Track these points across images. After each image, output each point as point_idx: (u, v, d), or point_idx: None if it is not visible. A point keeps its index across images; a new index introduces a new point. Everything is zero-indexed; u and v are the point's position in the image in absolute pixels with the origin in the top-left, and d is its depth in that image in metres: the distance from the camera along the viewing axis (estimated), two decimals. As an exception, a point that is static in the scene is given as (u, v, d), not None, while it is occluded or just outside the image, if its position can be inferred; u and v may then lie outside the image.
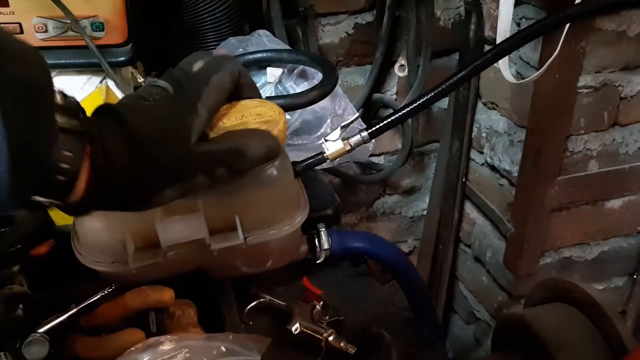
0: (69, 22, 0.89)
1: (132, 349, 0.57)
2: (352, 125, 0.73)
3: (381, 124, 0.75)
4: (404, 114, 0.76)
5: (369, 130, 0.74)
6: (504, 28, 1.01)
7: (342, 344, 0.67)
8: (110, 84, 0.96)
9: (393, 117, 0.75)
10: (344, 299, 0.74)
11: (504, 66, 1.08)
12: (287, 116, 0.94)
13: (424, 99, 0.76)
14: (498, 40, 1.02)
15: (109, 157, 0.46)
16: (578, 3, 0.91)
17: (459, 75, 0.75)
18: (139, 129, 0.48)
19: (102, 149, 0.46)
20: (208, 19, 1.04)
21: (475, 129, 1.48)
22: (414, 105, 0.76)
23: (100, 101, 0.87)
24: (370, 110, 1.48)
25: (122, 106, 0.51)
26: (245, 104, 0.61)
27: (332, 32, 1.36)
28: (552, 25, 0.73)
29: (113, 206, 0.51)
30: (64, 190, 0.44)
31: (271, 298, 0.73)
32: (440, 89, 0.75)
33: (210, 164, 0.53)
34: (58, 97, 0.43)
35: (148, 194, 0.51)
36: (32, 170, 0.41)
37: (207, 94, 0.53)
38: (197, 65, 0.55)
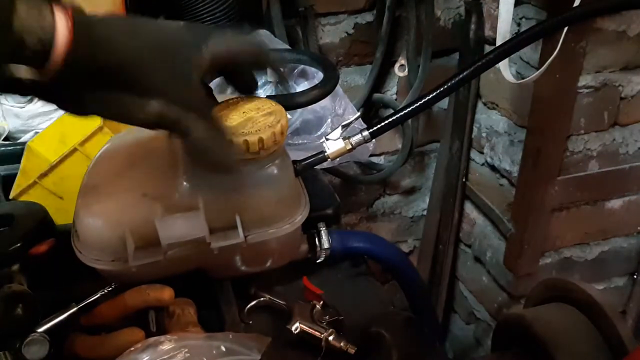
0: (69, 21, 0.89)
1: (132, 348, 0.57)
2: (352, 124, 0.73)
3: (382, 124, 0.74)
4: (405, 114, 0.76)
5: (370, 130, 0.73)
6: (504, 28, 1.01)
7: (342, 344, 0.67)
8: (110, 83, 0.96)
9: (394, 117, 0.75)
10: (344, 299, 0.74)
11: (504, 66, 1.08)
12: (288, 115, 0.94)
13: (426, 99, 0.75)
14: (498, 40, 1.02)
15: (93, 24, 0.47)
16: (580, 5, 0.90)
17: (460, 76, 0.75)
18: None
19: (83, 14, 0.46)
20: (208, 19, 1.03)
21: (475, 129, 1.48)
22: (416, 105, 0.75)
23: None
24: (370, 110, 1.48)
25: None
26: (239, 102, 0.62)
27: (332, 32, 1.36)
28: (554, 27, 0.73)
29: (91, 84, 0.49)
30: (37, 59, 0.44)
31: (271, 297, 0.73)
32: (441, 89, 0.75)
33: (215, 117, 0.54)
34: None
35: (137, 82, 0.49)
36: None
37: (215, 41, 0.54)
38: None
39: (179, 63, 0.50)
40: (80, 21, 0.46)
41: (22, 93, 0.49)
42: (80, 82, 0.48)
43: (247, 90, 0.62)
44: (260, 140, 0.59)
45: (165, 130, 0.52)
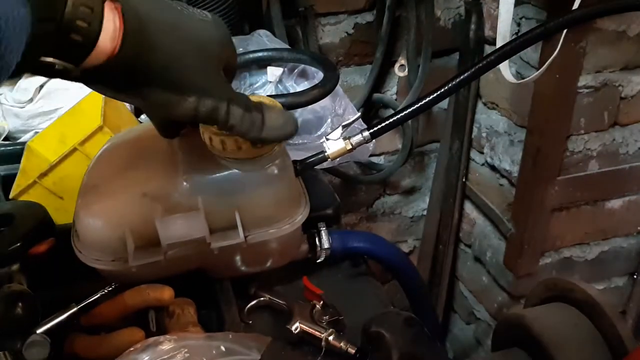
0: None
1: (132, 348, 0.57)
2: (352, 125, 0.73)
3: (383, 124, 0.74)
4: (405, 114, 0.76)
5: (371, 130, 0.73)
6: (504, 28, 1.01)
7: (342, 344, 0.67)
8: (110, 83, 0.96)
9: (394, 118, 0.75)
10: (344, 299, 0.74)
11: (504, 66, 1.08)
12: (287, 115, 0.94)
13: (426, 100, 0.75)
14: (498, 40, 1.02)
15: (143, 20, 0.46)
16: (582, 7, 0.90)
17: (460, 78, 0.75)
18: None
19: (134, 9, 0.45)
20: (208, 18, 1.03)
21: (475, 129, 1.48)
22: (416, 106, 0.75)
23: (99, 101, 0.87)
24: (370, 110, 1.48)
25: None
26: None
27: (332, 32, 1.36)
28: (556, 29, 0.73)
29: (129, 85, 0.49)
30: (78, 52, 0.43)
31: (271, 297, 0.73)
32: (441, 90, 0.75)
33: (244, 101, 0.54)
34: None
35: (178, 81, 0.49)
36: (45, 23, 0.40)
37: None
38: None
39: (211, 60, 0.52)
40: (130, 19, 0.45)
41: (51, 76, 0.47)
42: (119, 77, 0.48)
43: None
44: (237, 140, 0.59)
45: (202, 122, 0.55)
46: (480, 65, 0.74)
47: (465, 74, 0.75)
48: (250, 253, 0.67)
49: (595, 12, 0.74)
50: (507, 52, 0.74)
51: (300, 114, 0.98)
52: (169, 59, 0.48)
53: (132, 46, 0.45)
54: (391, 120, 0.75)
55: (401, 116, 0.76)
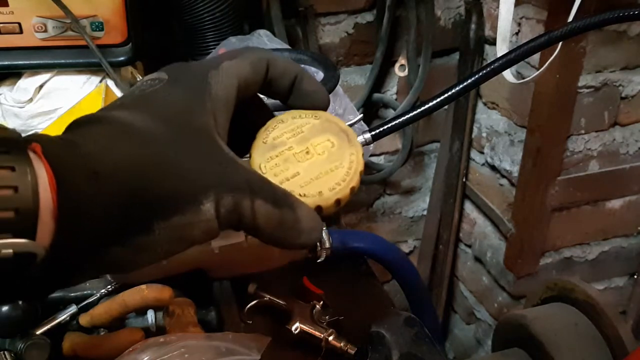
0: (68, 21, 0.89)
1: (132, 348, 0.57)
2: (354, 125, 0.73)
3: (385, 127, 0.74)
4: (407, 118, 0.75)
5: (372, 132, 0.73)
6: (505, 28, 1.01)
7: (342, 344, 0.67)
8: (110, 83, 0.96)
9: (397, 121, 0.75)
10: (344, 299, 0.74)
11: (505, 66, 1.08)
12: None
13: (429, 105, 0.75)
14: (498, 40, 1.02)
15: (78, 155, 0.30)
16: (587, 13, 0.90)
17: (465, 84, 0.75)
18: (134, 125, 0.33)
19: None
20: (208, 18, 1.03)
21: (475, 129, 1.48)
22: (419, 110, 0.75)
23: (99, 100, 0.87)
24: (370, 110, 1.48)
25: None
26: (296, 121, 0.41)
27: (332, 32, 1.36)
28: (563, 36, 0.73)
29: (117, 228, 0.31)
30: (22, 231, 0.28)
31: (271, 297, 0.73)
32: (445, 96, 0.75)
33: (271, 192, 0.35)
34: None
35: (169, 197, 0.32)
36: None
37: (217, 79, 0.36)
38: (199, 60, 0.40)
39: (205, 141, 0.34)
40: (57, 160, 0.29)
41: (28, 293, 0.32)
42: (100, 231, 0.30)
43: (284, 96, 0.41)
44: (338, 201, 0.38)
45: (234, 229, 0.34)
46: (485, 71, 0.74)
47: (469, 80, 0.75)
48: (250, 253, 0.67)
49: (606, 20, 0.73)
50: (512, 59, 0.74)
51: (300, 114, 0.98)
52: (146, 171, 0.32)
53: (77, 183, 0.29)
54: (393, 123, 0.75)
55: (403, 120, 0.75)
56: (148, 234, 0.31)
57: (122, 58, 0.94)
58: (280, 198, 0.35)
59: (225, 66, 0.37)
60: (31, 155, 0.29)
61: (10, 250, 0.27)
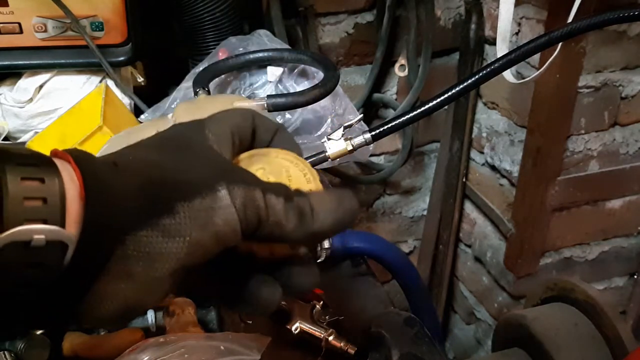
0: (68, 21, 0.89)
1: (131, 348, 0.57)
2: (354, 125, 0.73)
3: (385, 127, 0.74)
4: (407, 119, 0.75)
5: (372, 133, 0.73)
6: (504, 28, 1.01)
7: (342, 344, 0.67)
8: (110, 83, 0.96)
9: (397, 122, 0.75)
10: (344, 299, 0.74)
11: (505, 66, 1.08)
12: (288, 115, 0.94)
13: (429, 105, 0.75)
14: (498, 40, 1.01)
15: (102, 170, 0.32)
16: (587, 14, 0.90)
17: (465, 84, 0.75)
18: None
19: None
20: (208, 18, 1.03)
21: (475, 129, 1.48)
22: (419, 111, 0.75)
23: (99, 100, 0.87)
24: (370, 110, 1.48)
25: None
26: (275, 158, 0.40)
27: (332, 32, 1.36)
28: (563, 36, 0.73)
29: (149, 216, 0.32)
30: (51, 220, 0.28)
31: (271, 297, 0.73)
32: (445, 96, 0.75)
33: (282, 189, 0.35)
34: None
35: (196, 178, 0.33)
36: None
37: (213, 123, 0.39)
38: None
39: (209, 152, 0.37)
40: (77, 154, 0.31)
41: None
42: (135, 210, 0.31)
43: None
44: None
45: (257, 232, 0.34)
46: (486, 72, 0.75)
47: (469, 81, 0.75)
48: (250, 253, 0.67)
49: (608, 21, 0.73)
50: (512, 59, 0.74)
51: (300, 113, 0.98)
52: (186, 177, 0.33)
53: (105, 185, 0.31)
54: (393, 123, 0.75)
55: (403, 120, 0.76)
56: (174, 216, 0.31)
57: (122, 58, 0.95)
58: (288, 190, 0.35)
59: (218, 115, 0.40)
60: (55, 160, 0.30)
61: (43, 237, 0.27)
